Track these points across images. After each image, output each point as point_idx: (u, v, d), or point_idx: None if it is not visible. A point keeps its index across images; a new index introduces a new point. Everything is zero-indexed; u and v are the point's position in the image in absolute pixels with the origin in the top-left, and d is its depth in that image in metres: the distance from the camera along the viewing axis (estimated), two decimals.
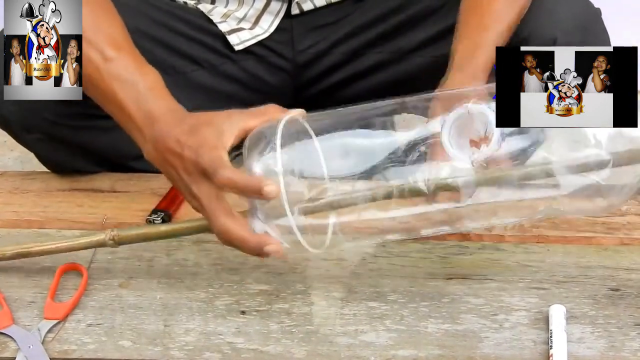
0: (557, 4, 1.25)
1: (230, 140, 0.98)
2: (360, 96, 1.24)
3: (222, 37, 1.36)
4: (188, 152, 0.98)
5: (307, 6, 1.38)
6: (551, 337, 1.03)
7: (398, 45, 1.37)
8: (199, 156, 0.97)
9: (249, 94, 1.37)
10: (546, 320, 1.07)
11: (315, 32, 1.38)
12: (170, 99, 1.05)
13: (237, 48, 1.36)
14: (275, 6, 1.35)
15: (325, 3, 1.39)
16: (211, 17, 1.36)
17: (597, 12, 1.28)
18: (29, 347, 1.02)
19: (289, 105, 1.26)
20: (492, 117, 0.98)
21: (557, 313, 1.06)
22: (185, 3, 1.39)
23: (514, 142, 0.98)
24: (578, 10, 1.27)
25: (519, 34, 1.20)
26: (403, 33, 1.36)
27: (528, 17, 1.21)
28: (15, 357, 1.01)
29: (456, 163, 0.96)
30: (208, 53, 1.34)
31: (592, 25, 1.26)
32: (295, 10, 1.38)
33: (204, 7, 1.37)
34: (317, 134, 0.98)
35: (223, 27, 1.36)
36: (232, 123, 1.00)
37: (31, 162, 1.35)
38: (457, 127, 0.97)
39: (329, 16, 1.39)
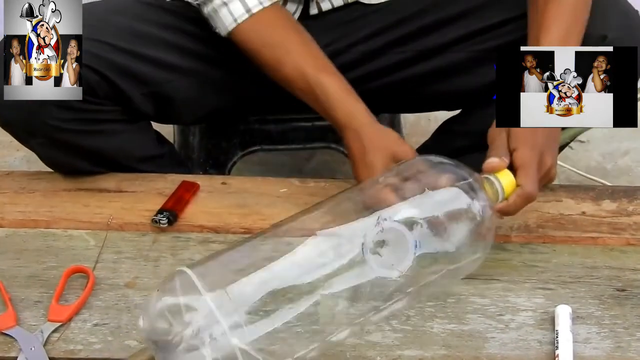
0: (605, 3, 1.26)
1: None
2: (380, 92, 1.24)
3: None
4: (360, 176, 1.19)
5: (326, 6, 1.38)
6: (557, 337, 1.03)
7: (424, 45, 1.37)
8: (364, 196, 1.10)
9: (264, 93, 1.37)
10: (552, 320, 1.06)
11: (333, 31, 1.38)
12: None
13: None
14: (291, 7, 1.35)
15: (342, 3, 1.39)
16: None
17: (638, 12, 1.30)
18: (31, 348, 1.02)
19: (302, 103, 1.28)
20: (404, 231, 1.00)
21: (563, 313, 1.06)
22: (199, 5, 1.39)
23: (426, 248, 1.01)
24: (625, 10, 1.29)
25: None
26: (429, 34, 1.36)
27: None
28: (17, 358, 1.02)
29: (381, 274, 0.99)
30: (221, 53, 1.34)
31: (636, 23, 1.28)
32: (314, 10, 1.38)
33: None
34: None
35: None
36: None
37: (37, 162, 1.35)
38: (377, 241, 0.99)
39: (347, 17, 1.39)
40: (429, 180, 1.05)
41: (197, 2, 1.28)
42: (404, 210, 1.02)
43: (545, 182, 1.17)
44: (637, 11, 1.30)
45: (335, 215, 1.04)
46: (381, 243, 1.00)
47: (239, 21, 1.24)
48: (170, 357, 0.91)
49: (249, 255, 1.00)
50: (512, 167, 1.11)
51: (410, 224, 1.01)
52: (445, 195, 1.04)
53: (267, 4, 1.25)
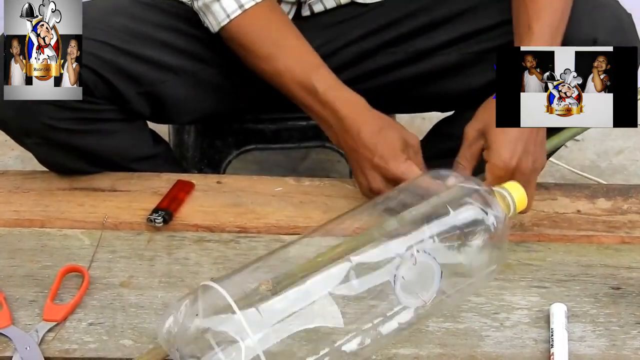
0: (596, 7, 1.27)
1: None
2: (371, 93, 1.24)
3: None
4: (378, 160, 1.18)
5: (318, 8, 1.38)
6: (552, 335, 1.03)
7: (416, 47, 1.37)
8: (389, 167, 1.17)
9: (259, 93, 1.37)
10: (547, 318, 1.07)
11: (325, 32, 1.38)
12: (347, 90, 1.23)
13: None
14: (284, 8, 1.35)
15: (335, 5, 1.39)
16: None
17: (631, 16, 1.30)
18: (26, 348, 1.02)
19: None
20: (434, 265, 1.01)
21: (558, 311, 1.06)
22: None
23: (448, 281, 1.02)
24: (616, 13, 1.29)
25: None
26: (420, 35, 1.36)
27: (569, 17, 1.21)
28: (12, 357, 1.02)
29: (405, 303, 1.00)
30: (217, 53, 1.34)
31: (629, 27, 1.28)
32: (306, 12, 1.38)
33: None
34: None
35: None
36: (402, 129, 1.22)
37: (32, 161, 1.35)
38: (406, 272, 1.00)
39: (339, 17, 1.38)
40: (447, 199, 1.05)
41: None
42: (431, 239, 1.02)
43: (534, 178, 1.17)
44: (629, 14, 1.30)
45: (369, 237, 1.04)
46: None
47: (232, 17, 1.24)
48: None
49: (278, 269, 1.00)
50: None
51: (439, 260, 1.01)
52: (466, 214, 1.05)
53: None
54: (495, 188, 1.09)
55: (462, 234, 1.03)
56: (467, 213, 1.04)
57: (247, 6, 1.23)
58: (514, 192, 1.09)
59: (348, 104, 1.21)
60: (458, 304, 1.09)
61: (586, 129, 1.33)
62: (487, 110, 1.16)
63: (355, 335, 0.97)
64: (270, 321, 0.93)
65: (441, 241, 1.02)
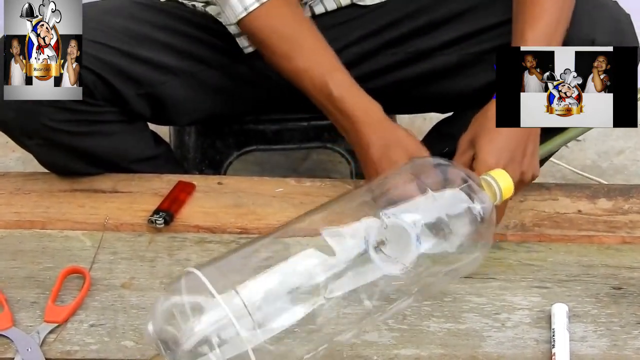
0: (595, 7, 1.27)
1: None
2: (372, 94, 1.24)
3: (231, 38, 1.36)
4: (382, 172, 1.15)
5: (319, 9, 1.38)
6: (553, 336, 1.03)
7: (416, 47, 1.37)
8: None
9: (259, 94, 1.37)
10: (548, 319, 1.07)
11: (326, 33, 1.37)
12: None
13: (246, 51, 1.36)
14: None
15: (335, 6, 1.38)
16: (220, 20, 1.36)
17: (629, 17, 1.30)
18: (27, 349, 1.02)
19: (298, 103, 1.27)
20: (406, 225, 1.01)
21: (560, 312, 1.06)
22: (194, 6, 1.39)
23: (428, 248, 1.01)
24: (614, 14, 1.29)
25: None
26: (421, 36, 1.36)
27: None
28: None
29: (386, 270, 0.99)
30: (217, 54, 1.34)
31: (627, 28, 1.28)
32: (307, 13, 1.38)
33: (213, 10, 1.37)
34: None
35: (232, 30, 1.35)
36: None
37: (32, 163, 1.35)
38: (379, 240, 1.00)
39: (340, 19, 1.38)
40: (431, 181, 1.05)
41: None
42: (407, 209, 1.02)
43: (520, 188, 1.16)
44: (628, 15, 1.29)
45: (343, 215, 1.04)
46: (383, 242, 1.00)
47: (249, 9, 1.22)
48: (180, 357, 0.91)
49: (256, 256, 1.00)
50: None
51: (412, 223, 1.01)
52: (447, 197, 1.04)
53: None
54: (483, 176, 1.09)
55: (448, 220, 1.02)
56: (453, 199, 1.04)
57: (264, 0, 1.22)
58: (501, 180, 1.08)
59: (362, 113, 1.19)
60: (443, 289, 1.09)
61: (588, 129, 1.33)
62: (478, 120, 1.16)
63: (340, 305, 0.97)
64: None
65: (429, 227, 1.01)
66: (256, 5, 1.22)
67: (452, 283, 1.10)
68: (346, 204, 1.08)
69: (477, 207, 1.04)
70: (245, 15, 1.23)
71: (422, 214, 1.02)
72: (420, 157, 1.14)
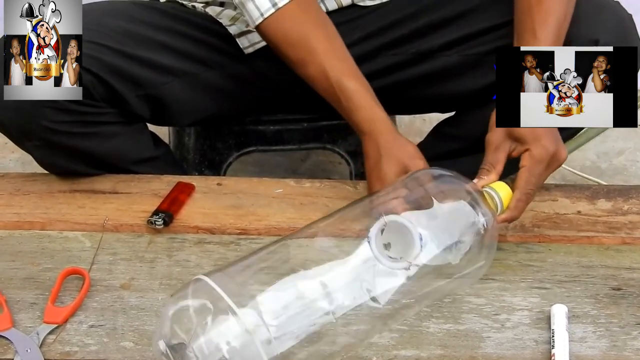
0: (598, 7, 1.27)
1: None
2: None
3: (231, 39, 1.36)
4: (370, 192, 1.17)
5: None
6: (553, 336, 1.03)
7: (416, 48, 1.37)
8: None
9: (259, 95, 1.37)
10: (548, 319, 1.07)
11: None
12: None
13: (246, 51, 1.36)
14: None
15: (336, 7, 1.38)
16: (220, 20, 1.36)
17: (631, 17, 1.30)
18: (27, 350, 1.02)
19: (298, 104, 1.27)
20: (406, 223, 1.02)
21: (559, 312, 1.06)
22: (194, 7, 1.39)
23: (432, 244, 1.02)
24: (618, 14, 1.29)
25: None
26: (421, 37, 1.36)
27: (571, 18, 1.21)
28: None
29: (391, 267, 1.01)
30: (217, 55, 1.34)
31: (630, 28, 1.28)
32: None
33: (212, 10, 1.37)
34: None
35: (232, 30, 1.35)
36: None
37: (32, 164, 1.35)
38: (383, 236, 1.01)
39: (340, 19, 1.38)
40: (434, 193, 1.06)
41: None
42: (409, 218, 1.03)
43: (555, 167, 1.17)
44: (630, 15, 1.30)
45: (345, 224, 1.06)
46: (388, 245, 1.01)
47: (266, 15, 1.22)
48: None
49: (267, 266, 1.01)
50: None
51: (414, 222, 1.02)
52: (452, 210, 1.05)
53: None
54: (484, 188, 1.10)
55: (453, 232, 1.03)
56: (458, 212, 1.05)
57: (280, 4, 1.22)
58: (501, 191, 1.10)
59: (366, 124, 1.20)
60: (447, 294, 1.09)
61: (603, 130, 1.33)
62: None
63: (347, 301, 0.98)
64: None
65: (434, 240, 1.02)
66: (272, 10, 1.22)
67: (461, 290, 1.11)
68: (349, 212, 1.09)
69: (481, 219, 1.04)
70: (262, 21, 1.23)
71: (427, 229, 1.02)
72: (421, 170, 1.14)
